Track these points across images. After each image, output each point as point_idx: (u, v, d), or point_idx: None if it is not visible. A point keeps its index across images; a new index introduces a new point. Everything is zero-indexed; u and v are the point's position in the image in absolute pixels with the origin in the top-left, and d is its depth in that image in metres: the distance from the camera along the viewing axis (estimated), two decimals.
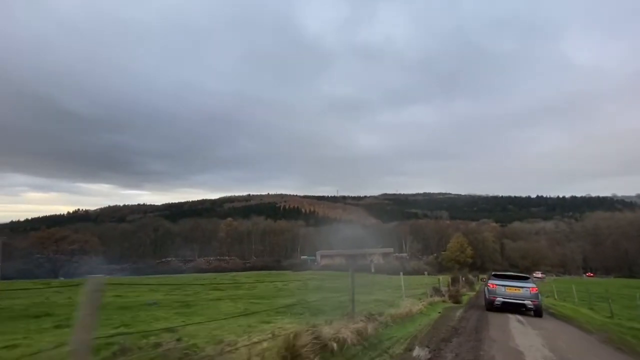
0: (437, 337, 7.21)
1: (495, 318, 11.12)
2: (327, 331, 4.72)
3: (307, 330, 4.22)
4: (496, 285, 13.15)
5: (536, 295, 12.58)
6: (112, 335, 5.11)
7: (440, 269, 72.59)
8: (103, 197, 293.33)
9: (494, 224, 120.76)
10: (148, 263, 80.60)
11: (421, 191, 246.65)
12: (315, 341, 4.15)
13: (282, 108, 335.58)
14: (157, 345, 4.42)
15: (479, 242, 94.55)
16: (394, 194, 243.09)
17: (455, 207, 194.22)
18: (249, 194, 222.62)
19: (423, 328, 8.24)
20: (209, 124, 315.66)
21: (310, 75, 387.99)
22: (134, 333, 5.51)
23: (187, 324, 6.87)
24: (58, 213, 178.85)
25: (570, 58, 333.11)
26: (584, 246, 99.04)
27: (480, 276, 50.21)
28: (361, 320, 6.20)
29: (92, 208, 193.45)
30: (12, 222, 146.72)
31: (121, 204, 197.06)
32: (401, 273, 15.59)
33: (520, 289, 12.77)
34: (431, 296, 15.43)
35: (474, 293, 25.54)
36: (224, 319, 7.95)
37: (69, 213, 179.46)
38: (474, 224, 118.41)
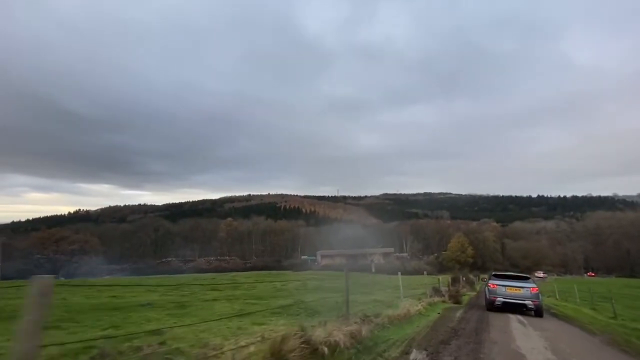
0: (435, 339, 6.98)
1: (495, 319, 10.90)
2: (318, 334, 4.49)
3: (296, 334, 3.98)
4: (497, 285, 13.03)
5: (537, 295, 12.46)
6: (92, 339, 4.89)
7: (441, 268, 72.32)
8: (103, 198, 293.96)
9: (495, 224, 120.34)
10: (148, 263, 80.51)
11: (422, 191, 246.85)
12: (304, 345, 3.92)
13: (282, 108, 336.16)
14: (139, 349, 4.21)
15: (479, 241, 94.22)
16: (395, 194, 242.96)
17: (456, 207, 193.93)
18: (250, 194, 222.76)
19: (421, 330, 8.01)
20: (209, 124, 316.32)
21: (310, 75, 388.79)
22: (116, 337, 5.29)
23: (174, 327, 6.66)
24: (59, 213, 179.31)
25: (570, 58, 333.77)
26: (585, 246, 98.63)
27: (481, 276, 50.09)
28: (355, 323, 5.96)
29: (93, 208, 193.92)
30: (13, 223, 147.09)
31: (122, 204, 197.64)
32: (399, 273, 15.34)
33: (521, 289, 12.65)
34: (431, 296, 15.18)
35: (475, 293, 25.30)
36: (215, 320, 7.73)
37: (69, 213, 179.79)
38: (474, 223, 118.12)
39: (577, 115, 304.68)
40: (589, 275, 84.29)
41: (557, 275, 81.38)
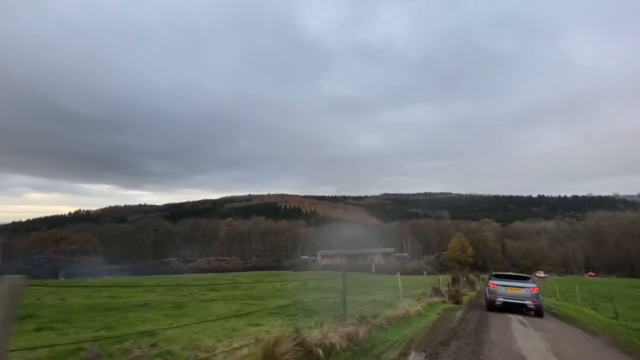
0: (435, 340, 6.86)
1: (496, 319, 10.78)
2: (313, 336, 4.38)
3: (289, 336, 3.87)
4: (497, 285, 12.96)
5: (537, 296, 12.39)
6: (81, 341, 4.79)
7: (441, 268, 72.23)
8: (104, 198, 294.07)
9: (495, 224, 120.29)
10: (148, 263, 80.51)
11: (422, 191, 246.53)
12: (297, 348, 3.81)
13: (282, 108, 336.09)
14: (129, 351, 4.10)
15: (480, 241, 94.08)
16: (395, 194, 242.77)
17: (456, 207, 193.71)
18: (250, 194, 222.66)
19: (420, 330, 7.90)
20: (209, 124, 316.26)
21: (310, 75, 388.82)
22: (108, 338, 5.19)
23: (168, 328, 6.54)
24: (59, 214, 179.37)
25: (570, 58, 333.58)
26: (585, 246, 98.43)
27: (481, 276, 49.89)
28: (352, 324, 5.84)
29: (93, 208, 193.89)
30: (13, 223, 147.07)
31: (122, 205, 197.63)
32: (398, 273, 15.22)
33: (521, 289, 12.58)
34: (430, 296, 15.06)
35: (475, 293, 25.17)
36: (212, 321, 7.62)
37: (70, 213, 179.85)
38: (475, 223, 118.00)
39: (577, 115, 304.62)
40: (590, 275, 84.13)
41: (558, 275, 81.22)
